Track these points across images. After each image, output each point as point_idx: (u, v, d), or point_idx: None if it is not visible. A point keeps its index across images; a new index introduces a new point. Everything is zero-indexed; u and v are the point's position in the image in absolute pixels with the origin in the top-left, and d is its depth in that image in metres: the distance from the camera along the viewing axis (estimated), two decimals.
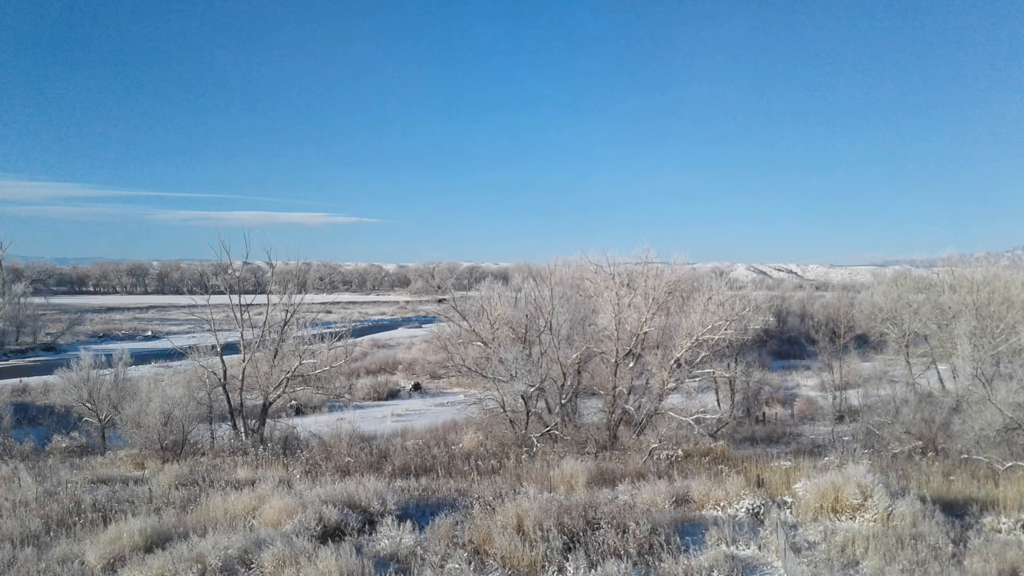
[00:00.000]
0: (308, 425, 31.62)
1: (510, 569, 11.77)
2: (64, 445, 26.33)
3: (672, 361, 27.10)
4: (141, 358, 42.90)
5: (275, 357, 28.48)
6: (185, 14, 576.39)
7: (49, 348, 72.80)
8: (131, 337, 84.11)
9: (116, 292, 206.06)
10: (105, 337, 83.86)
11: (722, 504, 15.60)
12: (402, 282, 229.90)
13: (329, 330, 33.74)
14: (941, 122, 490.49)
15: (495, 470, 20.59)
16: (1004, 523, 14.04)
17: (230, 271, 31.57)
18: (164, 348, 50.50)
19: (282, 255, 32.53)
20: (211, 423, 27.65)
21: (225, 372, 27.89)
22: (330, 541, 12.42)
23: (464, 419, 30.62)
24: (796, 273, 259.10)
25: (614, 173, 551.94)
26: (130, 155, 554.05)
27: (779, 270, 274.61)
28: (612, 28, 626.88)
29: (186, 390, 28.23)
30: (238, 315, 29.21)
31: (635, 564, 11.94)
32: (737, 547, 12.97)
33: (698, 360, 28.00)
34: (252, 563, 11.57)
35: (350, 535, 13.23)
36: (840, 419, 35.10)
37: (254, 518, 14.38)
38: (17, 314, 72.96)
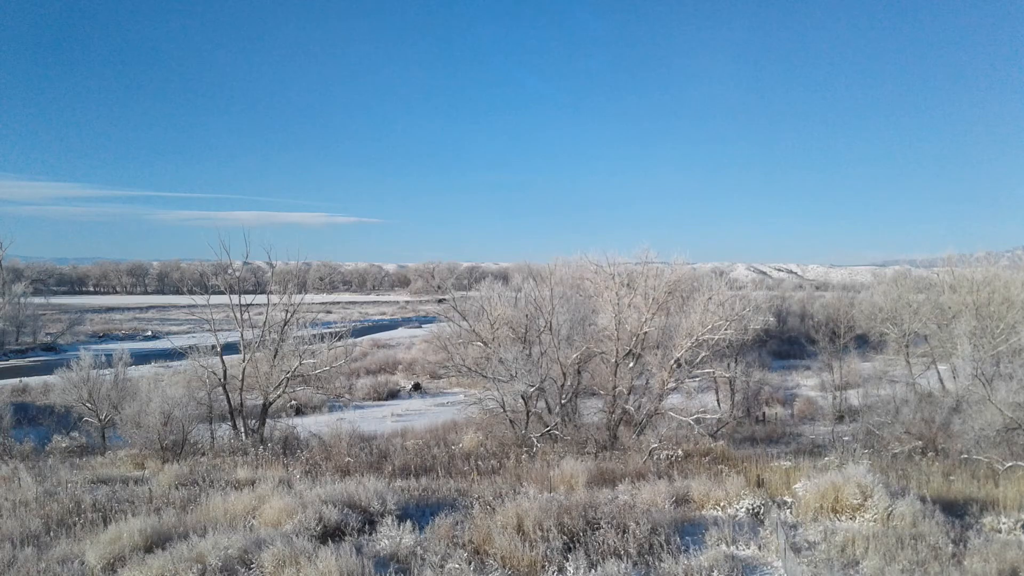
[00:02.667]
0: (308, 425, 31.60)
1: (510, 569, 11.77)
2: (64, 445, 26.33)
3: (672, 361, 27.09)
4: (141, 358, 42.88)
5: (275, 357, 28.48)
6: (185, 14, 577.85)
7: (49, 348, 72.80)
8: (131, 337, 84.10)
9: (116, 292, 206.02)
10: (105, 337, 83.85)
11: (722, 504, 15.60)
12: (402, 282, 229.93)
13: (329, 330, 33.69)
14: (941, 122, 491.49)
15: (495, 470, 20.59)
16: (1004, 523, 14.05)
17: (230, 271, 31.61)
18: (164, 348, 50.49)
19: (282, 255, 32.59)
20: (211, 423, 27.67)
21: (225, 372, 27.89)
22: (330, 541, 12.43)
23: (464, 419, 30.61)
24: (796, 273, 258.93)
25: (614, 173, 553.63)
26: (130, 155, 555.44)
27: (779, 270, 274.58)
28: (612, 28, 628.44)
29: (186, 390, 28.24)
30: (238, 315, 29.20)
31: (635, 564, 11.94)
32: (737, 547, 12.97)
33: (698, 360, 27.99)
34: (252, 563, 11.57)
35: (350, 535, 13.23)
36: (840, 419, 35.06)
37: (254, 518, 14.39)
38: (17, 314, 72.96)
